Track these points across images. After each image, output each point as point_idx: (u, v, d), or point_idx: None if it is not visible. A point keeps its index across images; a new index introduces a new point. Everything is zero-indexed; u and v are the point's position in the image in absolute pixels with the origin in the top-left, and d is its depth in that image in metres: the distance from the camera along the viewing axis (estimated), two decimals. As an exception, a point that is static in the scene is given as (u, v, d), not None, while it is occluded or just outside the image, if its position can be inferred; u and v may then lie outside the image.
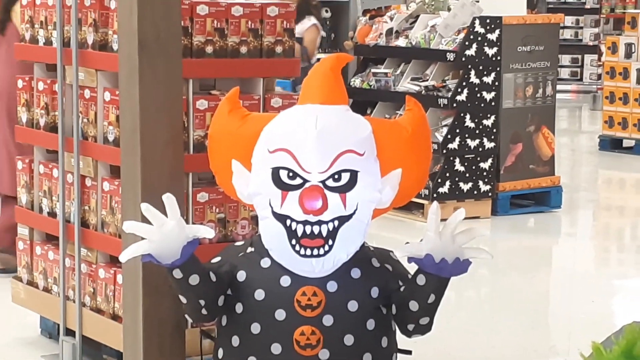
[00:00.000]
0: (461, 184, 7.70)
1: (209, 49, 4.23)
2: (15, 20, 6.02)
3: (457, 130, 7.64)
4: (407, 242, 2.94)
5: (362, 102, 8.17)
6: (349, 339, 2.94)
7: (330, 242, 2.92)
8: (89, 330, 4.42)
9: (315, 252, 2.92)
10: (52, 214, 4.64)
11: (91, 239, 4.39)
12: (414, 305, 2.96)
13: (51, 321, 4.82)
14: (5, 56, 6.00)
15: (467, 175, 7.71)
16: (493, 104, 7.75)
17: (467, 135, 7.68)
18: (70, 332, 4.53)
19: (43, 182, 4.71)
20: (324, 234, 2.91)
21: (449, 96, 7.62)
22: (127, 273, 3.70)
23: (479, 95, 7.69)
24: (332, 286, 2.95)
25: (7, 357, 4.80)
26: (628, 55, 11.00)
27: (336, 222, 2.92)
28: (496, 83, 7.75)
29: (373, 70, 8.28)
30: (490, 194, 7.81)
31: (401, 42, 8.18)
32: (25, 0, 4.79)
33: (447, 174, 7.65)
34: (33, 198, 4.79)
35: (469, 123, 7.68)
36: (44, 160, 4.73)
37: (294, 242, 2.92)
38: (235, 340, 3.00)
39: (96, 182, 4.36)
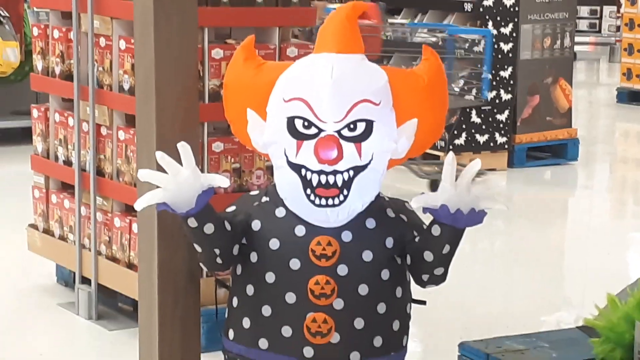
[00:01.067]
0: (477, 136, 7.68)
1: (225, -3, 4.21)
2: None
3: (474, 82, 7.60)
4: (422, 193, 2.93)
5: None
6: (363, 289, 2.94)
7: (345, 192, 2.91)
8: (105, 278, 4.45)
9: (330, 201, 2.91)
10: (67, 162, 4.65)
11: (106, 188, 4.39)
12: (428, 256, 2.96)
13: (67, 269, 4.84)
14: None
15: (484, 127, 7.68)
16: (510, 55, 7.71)
17: (482, 88, 7.64)
18: (86, 280, 4.56)
19: (59, 130, 4.71)
20: (339, 183, 2.90)
21: (466, 47, 7.57)
22: (142, 222, 3.71)
23: (496, 46, 7.64)
24: (346, 236, 2.94)
25: (24, 305, 4.84)
26: (648, 6, 10.91)
27: (351, 172, 2.91)
28: (514, 34, 7.70)
29: (389, 20, 8.23)
30: (506, 146, 7.79)
31: (418, -8, 8.12)
32: (40, -53, 4.76)
33: (464, 126, 7.63)
34: (49, 146, 4.79)
35: (485, 74, 7.63)
36: (59, 109, 4.73)
37: (308, 191, 2.91)
38: (250, 289, 3.00)
39: (111, 130, 4.35)
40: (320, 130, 2.91)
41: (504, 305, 4.98)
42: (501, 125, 7.75)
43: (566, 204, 7.35)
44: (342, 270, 2.93)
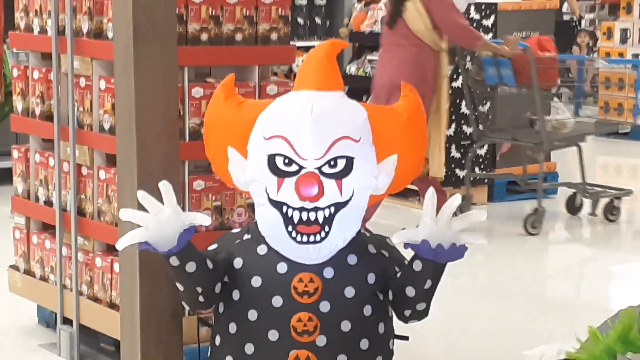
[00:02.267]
0: (457, 171, 7.71)
1: (204, 36, 4.23)
2: (407, 16, 6.13)
3: (453, 117, 7.64)
4: (404, 228, 2.95)
5: (358, 90, 8.16)
6: (346, 325, 2.95)
7: (326, 228, 2.92)
8: (86, 318, 4.43)
9: (311, 238, 2.92)
10: (48, 202, 4.65)
11: (88, 228, 4.39)
12: (410, 291, 2.97)
13: (48, 310, 4.82)
14: (392, 49, 6.11)
15: (464, 161, 7.71)
16: (488, 90, 7.75)
17: (463, 122, 7.68)
18: (67, 321, 4.54)
19: (39, 171, 4.71)
20: (320, 220, 2.92)
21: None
22: (124, 261, 3.71)
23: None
24: (328, 272, 2.95)
25: (5, 346, 4.81)
26: (623, 40, 11.01)
27: (332, 209, 2.93)
28: (493, 69, 7.74)
29: (369, 57, 8.28)
30: (486, 180, 7.82)
31: (397, 29, 8.16)
32: (19, -11, 4.78)
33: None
34: (29, 187, 4.79)
35: (464, 109, 7.67)
36: (39, 149, 4.73)
37: (290, 228, 2.93)
38: (233, 327, 3.00)
39: (92, 170, 4.36)
40: (301, 168, 2.92)
41: (486, 339, 4.99)
42: (481, 160, 7.79)
43: (547, 237, 7.37)
44: (325, 306, 2.94)
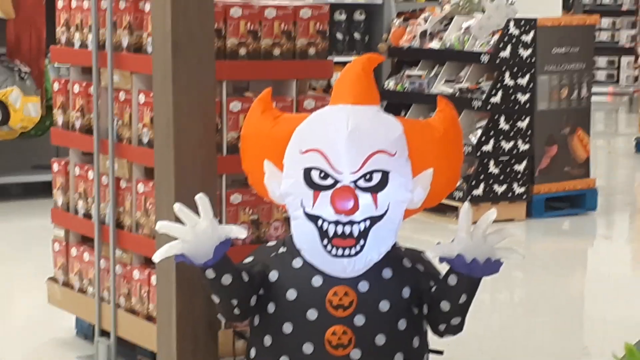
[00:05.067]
0: (495, 186, 7.69)
1: (242, 51, 4.25)
2: None
3: (491, 133, 7.63)
4: (439, 243, 2.95)
5: (396, 105, 8.17)
6: (380, 339, 2.95)
7: (361, 242, 2.93)
8: (124, 331, 4.46)
9: (346, 252, 2.93)
10: (87, 215, 4.68)
11: (126, 241, 4.42)
12: (445, 306, 2.97)
13: (86, 322, 4.85)
14: None
15: (502, 177, 7.69)
16: (527, 105, 7.73)
17: (501, 138, 7.66)
18: (105, 333, 4.57)
19: (79, 184, 4.75)
20: (355, 234, 2.93)
21: (483, 98, 7.61)
22: (160, 274, 3.73)
23: (513, 97, 7.67)
24: (363, 286, 2.96)
25: (43, 358, 4.85)
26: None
27: (367, 222, 2.93)
28: (531, 85, 7.73)
29: (407, 72, 8.28)
30: (524, 197, 7.79)
31: (435, 44, 8.18)
32: (61, 3, 4.83)
33: (482, 177, 7.64)
34: (69, 200, 4.83)
35: (503, 125, 7.66)
36: (79, 162, 4.77)
37: (325, 242, 2.94)
38: (268, 340, 3.01)
39: (131, 183, 4.39)
40: (337, 181, 2.94)
41: (523, 355, 4.96)
42: (519, 176, 7.76)
43: (585, 254, 7.33)
44: (359, 320, 2.94)
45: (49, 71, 8.04)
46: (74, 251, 4.81)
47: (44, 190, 7.66)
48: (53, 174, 4.96)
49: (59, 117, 4.88)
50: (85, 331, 4.94)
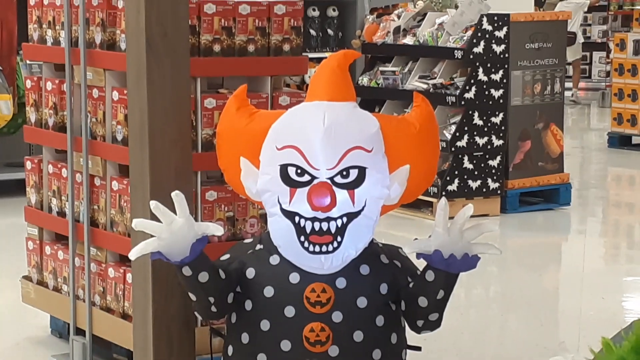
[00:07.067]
0: (470, 182, 7.70)
1: (217, 47, 4.24)
2: None
3: (466, 128, 7.64)
4: (416, 239, 2.95)
5: (370, 101, 8.17)
6: (358, 335, 2.95)
7: (339, 238, 2.93)
8: (99, 329, 4.43)
9: (324, 248, 2.92)
10: (61, 213, 4.65)
11: (100, 238, 4.39)
12: (423, 301, 2.97)
13: (61, 321, 4.83)
14: None
15: (476, 172, 7.70)
16: (501, 101, 7.74)
17: (475, 133, 7.68)
18: (80, 332, 4.54)
19: (52, 181, 4.72)
20: (333, 230, 2.92)
21: (457, 94, 7.62)
22: (136, 271, 3.71)
23: (487, 92, 7.69)
24: (341, 282, 2.95)
25: (18, 357, 4.82)
26: (636, 52, 10.98)
27: (345, 219, 2.93)
28: (504, 80, 7.75)
29: (381, 68, 8.28)
30: (499, 192, 7.81)
31: (409, 40, 8.18)
32: (33, 0, 4.80)
33: (456, 172, 7.65)
34: (42, 198, 4.80)
35: (477, 121, 7.67)
36: (52, 160, 4.74)
37: (302, 238, 2.93)
38: (245, 338, 3.00)
39: (105, 181, 4.36)
40: (313, 178, 2.93)
41: (498, 350, 4.98)
42: (493, 171, 7.78)
43: (559, 249, 7.35)
44: (337, 317, 2.94)
45: (21, 68, 7.99)
46: (48, 249, 4.78)
47: (17, 188, 7.61)
48: (26, 172, 4.93)
49: (31, 115, 4.85)
50: (60, 329, 4.92)
